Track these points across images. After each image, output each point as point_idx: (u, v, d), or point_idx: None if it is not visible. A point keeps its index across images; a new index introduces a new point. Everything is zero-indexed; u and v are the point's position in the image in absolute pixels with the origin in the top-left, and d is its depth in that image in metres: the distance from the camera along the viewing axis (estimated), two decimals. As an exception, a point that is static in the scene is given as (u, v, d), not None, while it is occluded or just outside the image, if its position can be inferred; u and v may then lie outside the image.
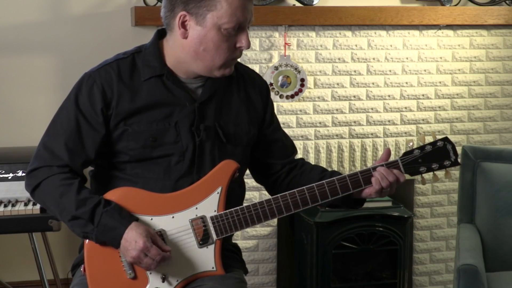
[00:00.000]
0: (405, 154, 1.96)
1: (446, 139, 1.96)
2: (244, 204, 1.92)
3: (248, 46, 1.88)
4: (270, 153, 2.09)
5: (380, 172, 1.93)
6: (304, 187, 1.91)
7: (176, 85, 1.92)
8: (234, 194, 1.96)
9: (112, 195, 1.88)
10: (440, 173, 2.00)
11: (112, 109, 1.88)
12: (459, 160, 1.97)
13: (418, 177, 2.00)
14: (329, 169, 2.09)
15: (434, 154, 1.95)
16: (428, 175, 2.00)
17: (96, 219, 1.82)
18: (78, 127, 1.88)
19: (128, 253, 1.81)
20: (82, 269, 1.91)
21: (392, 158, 2.01)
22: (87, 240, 1.87)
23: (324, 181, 1.92)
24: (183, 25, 1.85)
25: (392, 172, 1.93)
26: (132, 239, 1.79)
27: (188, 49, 1.87)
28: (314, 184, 1.91)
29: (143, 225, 1.83)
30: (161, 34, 1.96)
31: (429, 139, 1.98)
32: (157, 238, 1.83)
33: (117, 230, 1.81)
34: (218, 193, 1.89)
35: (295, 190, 1.91)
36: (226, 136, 1.96)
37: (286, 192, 1.91)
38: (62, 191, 1.85)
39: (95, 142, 1.89)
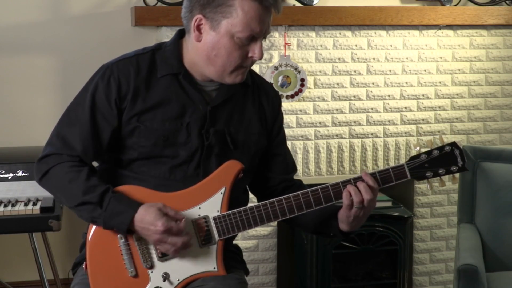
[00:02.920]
0: (412, 158, 1.93)
1: (454, 144, 1.92)
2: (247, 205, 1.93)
3: (261, 57, 1.86)
4: (269, 166, 2.08)
5: (354, 187, 1.87)
6: (308, 189, 1.90)
7: (191, 86, 1.91)
8: (238, 200, 1.96)
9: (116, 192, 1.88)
10: (447, 179, 1.98)
11: (127, 102, 1.88)
12: (466, 166, 1.93)
13: (425, 183, 1.96)
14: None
15: (441, 159, 1.91)
16: (434, 180, 1.98)
17: (105, 203, 1.82)
18: (92, 118, 1.88)
19: (151, 237, 1.81)
20: (84, 266, 1.91)
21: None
22: (89, 238, 1.87)
23: (328, 183, 1.90)
24: (198, 28, 1.85)
25: (368, 189, 1.87)
26: (150, 224, 1.79)
27: (201, 52, 1.87)
28: (318, 187, 1.90)
29: (151, 206, 1.81)
30: (182, 34, 1.96)
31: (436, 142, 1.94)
32: (169, 211, 1.82)
33: (124, 214, 1.81)
34: (221, 193, 1.89)
35: (299, 192, 1.89)
36: (234, 143, 1.95)
37: (290, 194, 1.89)
38: (71, 177, 1.86)
39: (106, 134, 1.89)
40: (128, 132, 1.89)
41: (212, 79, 1.92)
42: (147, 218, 1.80)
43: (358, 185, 1.87)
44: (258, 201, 2.11)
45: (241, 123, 1.97)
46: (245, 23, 1.80)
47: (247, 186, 2.08)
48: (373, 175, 1.90)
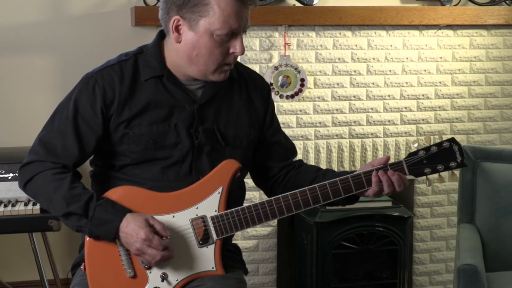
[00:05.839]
0: (410, 155, 1.92)
1: (452, 140, 1.91)
2: (245, 205, 1.92)
3: (242, 52, 1.86)
4: (269, 155, 2.08)
5: (387, 177, 1.90)
6: (306, 187, 1.90)
7: (176, 86, 1.91)
8: (234, 195, 1.96)
9: (113, 193, 1.88)
10: (446, 175, 1.97)
11: (113, 110, 1.88)
12: (465, 161, 1.92)
13: (423, 179, 1.96)
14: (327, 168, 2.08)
15: (439, 155, 1.90)
16: (433, 177, 1.96)
17: (90, 213, 1.82)
18: (76, 127, 1.88)
19: (132, 246, 1.80)
20: (82, 266, 1.91)
21: (392, 159, 1.98)
22: (88, 239, 1.87)
23: (326, 181, 1.91)
24: (177, 29, 1.85)
25: (397, 175, 1.91)
26: (133, 232, 1.79)
27: (182, 53, 1.87)
28: (316, 185, 1.90)
29: (139, 215, 1.82)
30: (163, 35, 1.96)
31: (435, 139, 1.94)
32: (156, 225, 1.81)
33: (111, 223, 1.81)
34: (219, 193, 1.89)
35: (296, 191, 1.90)
36: (225, 139, 1.95)
37: (288, 193, 1.90)
38: (55, 186, 1.85)
39: (91, 142, 1.89)
40: (117, 139, 1.90)
41: (196, 78, 1.92)
42: (132, 226, 1.79)
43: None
44: (266, 195, 2.11)
45: (230, 118, 1.97)
46: (223, 20, 1.80)
47: (244, 181, 2.08)
48: (371, 172, 1.90)
